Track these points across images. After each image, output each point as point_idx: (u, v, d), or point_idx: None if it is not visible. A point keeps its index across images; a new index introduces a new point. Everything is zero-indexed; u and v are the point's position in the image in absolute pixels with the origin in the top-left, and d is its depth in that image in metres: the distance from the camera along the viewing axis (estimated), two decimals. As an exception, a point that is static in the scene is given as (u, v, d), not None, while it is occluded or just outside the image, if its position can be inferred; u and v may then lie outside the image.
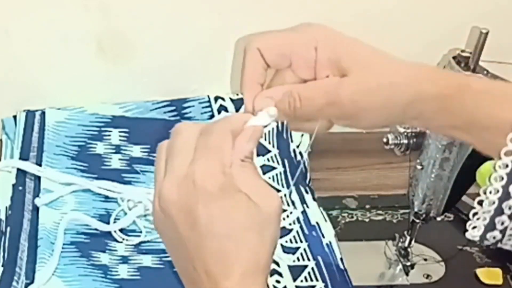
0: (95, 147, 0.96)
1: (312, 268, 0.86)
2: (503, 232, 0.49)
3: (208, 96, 1.04)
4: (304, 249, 0.88)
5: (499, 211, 0.49)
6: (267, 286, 0.50)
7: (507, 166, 0.47)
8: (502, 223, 0.49)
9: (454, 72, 0.53)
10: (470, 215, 0.50)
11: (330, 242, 0.89)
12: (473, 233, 0.50)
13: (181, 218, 0.48)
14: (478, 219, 0.50)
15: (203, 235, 0.48)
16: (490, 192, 0.49)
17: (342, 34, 0.54)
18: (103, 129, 0.98)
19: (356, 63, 0.52)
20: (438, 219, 0.86)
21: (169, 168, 0.50)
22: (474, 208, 0.51)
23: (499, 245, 0.50)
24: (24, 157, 0.94)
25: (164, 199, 0.49)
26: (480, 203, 0.50)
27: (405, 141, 0.81)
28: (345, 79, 0.51)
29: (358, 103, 0.51)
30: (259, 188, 0.49)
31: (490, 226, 0.50)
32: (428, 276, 0.89)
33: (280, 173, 0.97)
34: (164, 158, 0.51)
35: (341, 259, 0.87)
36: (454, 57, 0.87)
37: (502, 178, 0.48)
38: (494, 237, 0.50)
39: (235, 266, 0.48)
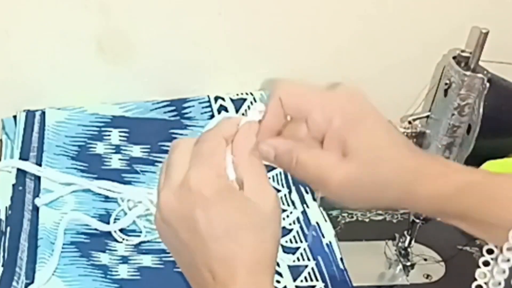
0: (95, 147, 0.96)
1: (312, 268, 0.86)
2: None
3: (208, 96, 1.04)
4: (304, 249, 0.88)
5: None
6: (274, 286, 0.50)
7: (508, 260, 0.48)
8: None
9: (457, 166, 0.52)
10: None
11: (330, 242, 0.89)
12: None
13: (182, 225, 0.49)
14: None
15: (204, 239, 0.48)
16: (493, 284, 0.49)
17: (364, 105, 0.52)
18: (103, 129, 0.98)
19: (358, 151, 0.50)
20: (438, 219, 0.85)
21: (167, 179, 0.51)
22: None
23: None
24: (24, 157, 0.94)
25: (163, 208, 0.50)
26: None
27: (405, 141, 0.81)
28: (339, 168, 0.51)
29: (346, 194, 0.51)
30: (258, 187, 0.50)
31: None
32: (428, 276, 0.89)
33: (280, 173, 0.97)
34: (163, 173, 0.52)
35: (341, 259, 0.87)
36: (454, 57, 0.87)
37: (504, 271, 0.48)
38: None
39: (240, 267, 0.48)
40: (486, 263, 0.51)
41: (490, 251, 0.51)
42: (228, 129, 0.53)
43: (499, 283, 0.48)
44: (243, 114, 0.54)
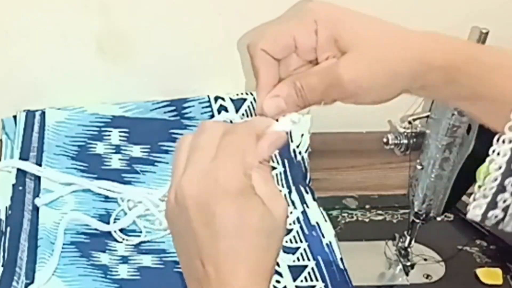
0: (95, 147, 0.96)
1: (312, 268, 0.86)
2: (505, 210, 0.48)
3: (208, 96, 1.04)
4: (304, 249, 0.88)
5: (501, 188, 0.47)
6: None
7: (511, 141, 0.46)
8: (504, 201, 0.47)
9: (465, 41, 0.52)
10: (471, 198, 0.49)
11: (330, 242, 0.89)
12: (474, 212, 0.49)
13: (197, 213, 0.48)
14: (480, 197, 0.48)
15: (216, 233, 0.47)
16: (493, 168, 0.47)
17: (344, 9, 0.53)
18: (103, 129, 0.98)
19: (355, 39, 0.51)
20: (438, 219, 0.86)
21: (191, 162, 0.49)
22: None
23: (500, 226, 0.49)
24: (24, 157, 0.94)
25: (182, 191, 0.48)
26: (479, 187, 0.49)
27: (405, 141, 0.81)
28: (341, 58, 0.51)
29: (359, 82, 0.50)
30: (272, 193, 0.49)
31: (492, 204, 0.48)
32: (428, 276, 0.89)
33: (280, 173, 0.97)
34: (185, 151, 0.51)
35: (341, 259, 0.87)
36: (454, 57, 0.87)
37: (505, 154, 0.46)
38: (495, 216, 0.48)
39: (244, 266, 0.48)
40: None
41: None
42: (260, 128, 0.51)
43: (500, 167, 0.47)
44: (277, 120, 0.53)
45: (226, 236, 0.47)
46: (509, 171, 0.47)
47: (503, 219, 0.48)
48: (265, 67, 0.53)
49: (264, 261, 0.49)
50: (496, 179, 0.47)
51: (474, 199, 0.49)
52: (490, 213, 0.48)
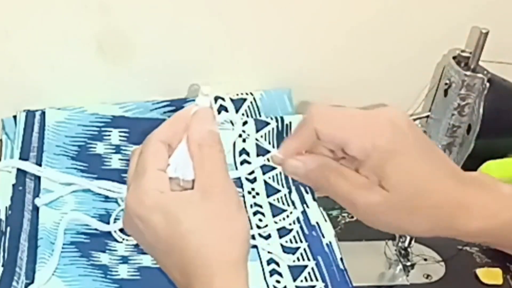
0: (95, 147, 0.96)
1: (312, 268, 0.86)
2: None
3: (208, 96, 1.04)
4: (304, 249, 0.88)
5: None
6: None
7: None
8: None
9: (505, 196, 0.50)
10: None
11: (330, 242, 0.89)
12: None
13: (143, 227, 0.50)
14: None
15: (149, 244, 0.51)
16: None
17: (407, 131, 0.50)
18: (103, 129, 0.98)
19: (397, 185, 0.49)
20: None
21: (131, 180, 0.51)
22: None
23: None
24: (24, 157, 0.94)
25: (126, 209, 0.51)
26: None
27: (405, 141, 0.81)
28: (374, 197, 0.49)
29: (377, 220, 0.51)
30: (210, 181, 0.49)
31: None
32: (428, 276, 0.89)
33: (280, 173, 0.97)
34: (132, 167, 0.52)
35: (341, 259, 0.87)
36: (454, 57, 0.87)
37: None
38: None
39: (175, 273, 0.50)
40: None
41: None
42: (164, 131, 0.51)
43: None
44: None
45: (155, 247, 0.50)
46: None
47: None
48: (303, 140, 0.52)
49: (226, 251, 0.48)
50: None
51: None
52: None
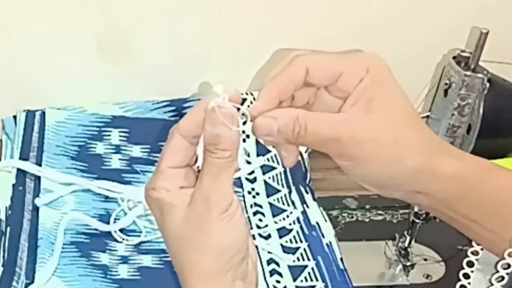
0: (95, 147, 0.96)
1: (312, 268, 0.86)
2: None
3: (208, 96, 1.04)
4: (304, 249, 0.88)
5: None
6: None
7: (509, 266, 0.47)
8: None
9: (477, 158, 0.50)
10: None
11: (330, 242, 0.89)
12: None
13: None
14: None
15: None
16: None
17: (393, 79, 0.51)
18: (103, 129, 0.98)
19: (384, 108, 0.48)
20: (438, 219, 0.86)
21: None
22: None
23: None
24: (24, 157, 0.94)
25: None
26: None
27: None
28: (363, 118, 0.48)
29: (362, 148, 0.48)
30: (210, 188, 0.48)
31: None
32: (428, 276, 0.89)
33: (280, 173, 0.97)
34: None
35: (341, 259, 0.87)
36: (454, 57, 0.87)
37: (503, 278, 0.47)
38: None
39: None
40: (471, 264, 0.50)
41: (475, 253, 0.50)
42: (186, 123, 0.51)
43: None
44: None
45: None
46: None
47: None
48: (289, 79, 0.50)
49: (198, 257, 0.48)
50: None
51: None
52: None
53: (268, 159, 0.98)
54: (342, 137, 0.48)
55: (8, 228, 0.85)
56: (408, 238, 0.89)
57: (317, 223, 0.91)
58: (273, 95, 0.50)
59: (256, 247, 0.87)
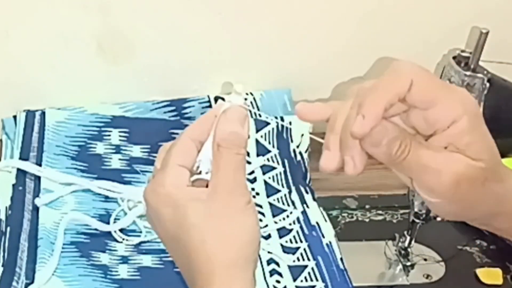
0: (95, 147, 0.96)
1: (312, 268, 0.86)
2: None
3: (208, 96, 1.04)
4: (304, 249, 0.88)
5: None
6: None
7: None
8: None
9: None
10: None
11: (330, 242, 0.89)
12: None
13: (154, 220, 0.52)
14: None
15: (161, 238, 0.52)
16: None
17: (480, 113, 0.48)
18: (103, 129, 0.98)
19: (484, 155, 0.47)
20: (438, 219, 0.85)
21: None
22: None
23: None
24: (24, 157, 0.94)
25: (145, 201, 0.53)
26: None
27: (405, 141, 0.81)
28: (457, 170, 0.46)
29: (448, 203, 0.47)
30: (224, 187, 0.49)
31: None
32: (428, 276, 0.89)
33: (280, 173, 0.97)
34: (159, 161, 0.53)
35: (341, 259, 0.87)
36: (454, 57, 0.87)
37: None
38: None
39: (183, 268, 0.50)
40: None
41: None
42: (195, 128, 0.51)
43: None
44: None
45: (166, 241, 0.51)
46: None
47: None
48: (396, 93, 0.46)
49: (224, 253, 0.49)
50: None
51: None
52: None
53: (268, 159, 0.98)
54: (442, 172, 0.46)
55: (8, 228, 0.85)
56: (408, 238, 0.89)
57: (317, 223, 0.91)
58: (380, 110, 0.45)
59: (256, 247, 0.87)
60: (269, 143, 1.00)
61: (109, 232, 0.88)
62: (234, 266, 0.49)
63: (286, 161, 0.98)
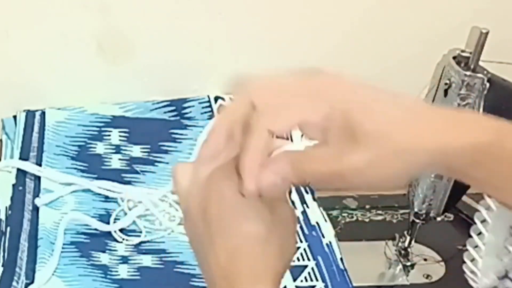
0: (95, 147, 0.96)
1: (312, 268, 0.86)
2: None
3: (208, 96, 1.04)
4: (304, 249, 0.88)
5: None
6: None
7: None
8: None
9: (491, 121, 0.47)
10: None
11: (330, 242, 0.89)
12: None
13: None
14: None
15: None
16: None
17: (355, 86, 0.48)
18: (103, 129, 0.98)
19: (371, 137, 0.45)
20: (438, 219, 0.86)
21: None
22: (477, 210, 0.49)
23: None
24: (24, 157, 0.94)
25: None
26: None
27: (405, 141, 0.81)
28: (353, 156, 0.45)
29: (367, 177, 0.46)
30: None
31: None
32: (428, 276, 0.89)
33: (280, 173, 0.97)
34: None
35: (341, 259, 0.87)
36: (454, 57, 0.87)
37: None
38: None
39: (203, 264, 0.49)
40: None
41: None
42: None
43: None
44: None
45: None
46: None
47: None
48: (259, 144, 0.46)
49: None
50: None
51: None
52: None
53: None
54: (343, 170, 0.45)
55: (8, 228, 0.85)
56: (408, 238, 0.89)
57: (317, 223, 0.91)
58: (255, 168, 0.47)
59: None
60: (269, 143, 0.99)
61: (109, 232, 0.87)
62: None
63: (286, 161, 0.98)
